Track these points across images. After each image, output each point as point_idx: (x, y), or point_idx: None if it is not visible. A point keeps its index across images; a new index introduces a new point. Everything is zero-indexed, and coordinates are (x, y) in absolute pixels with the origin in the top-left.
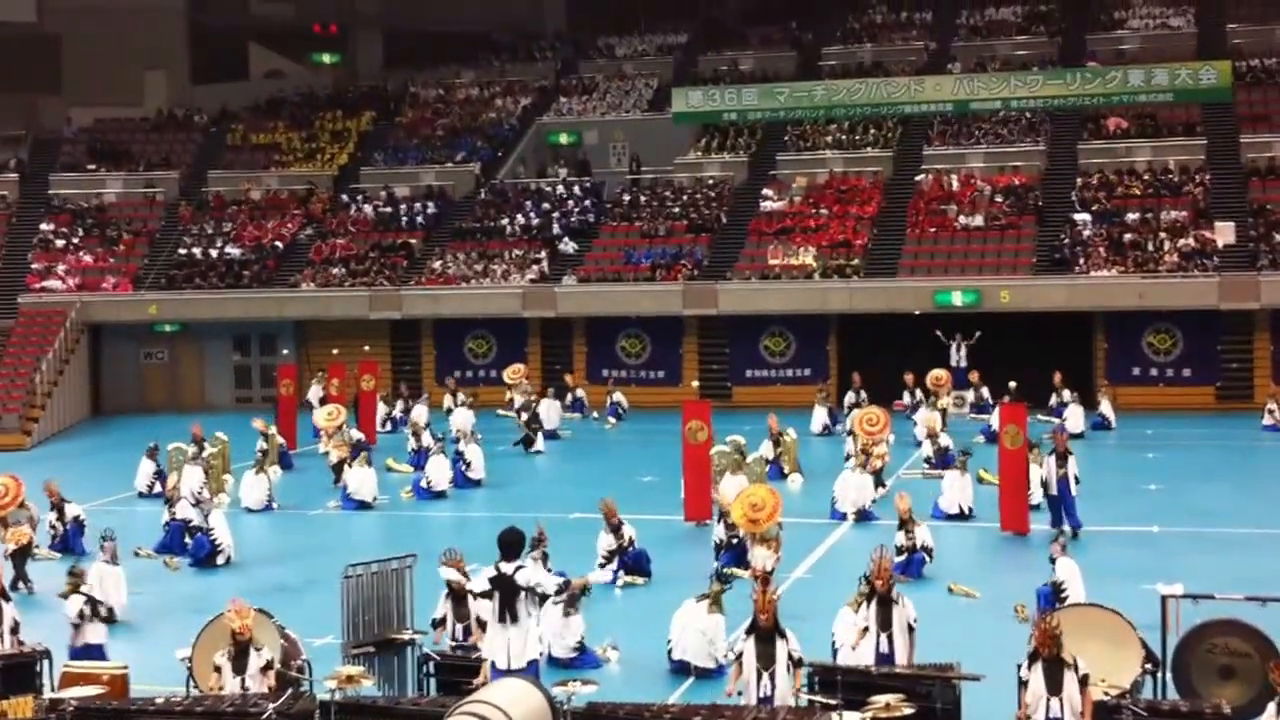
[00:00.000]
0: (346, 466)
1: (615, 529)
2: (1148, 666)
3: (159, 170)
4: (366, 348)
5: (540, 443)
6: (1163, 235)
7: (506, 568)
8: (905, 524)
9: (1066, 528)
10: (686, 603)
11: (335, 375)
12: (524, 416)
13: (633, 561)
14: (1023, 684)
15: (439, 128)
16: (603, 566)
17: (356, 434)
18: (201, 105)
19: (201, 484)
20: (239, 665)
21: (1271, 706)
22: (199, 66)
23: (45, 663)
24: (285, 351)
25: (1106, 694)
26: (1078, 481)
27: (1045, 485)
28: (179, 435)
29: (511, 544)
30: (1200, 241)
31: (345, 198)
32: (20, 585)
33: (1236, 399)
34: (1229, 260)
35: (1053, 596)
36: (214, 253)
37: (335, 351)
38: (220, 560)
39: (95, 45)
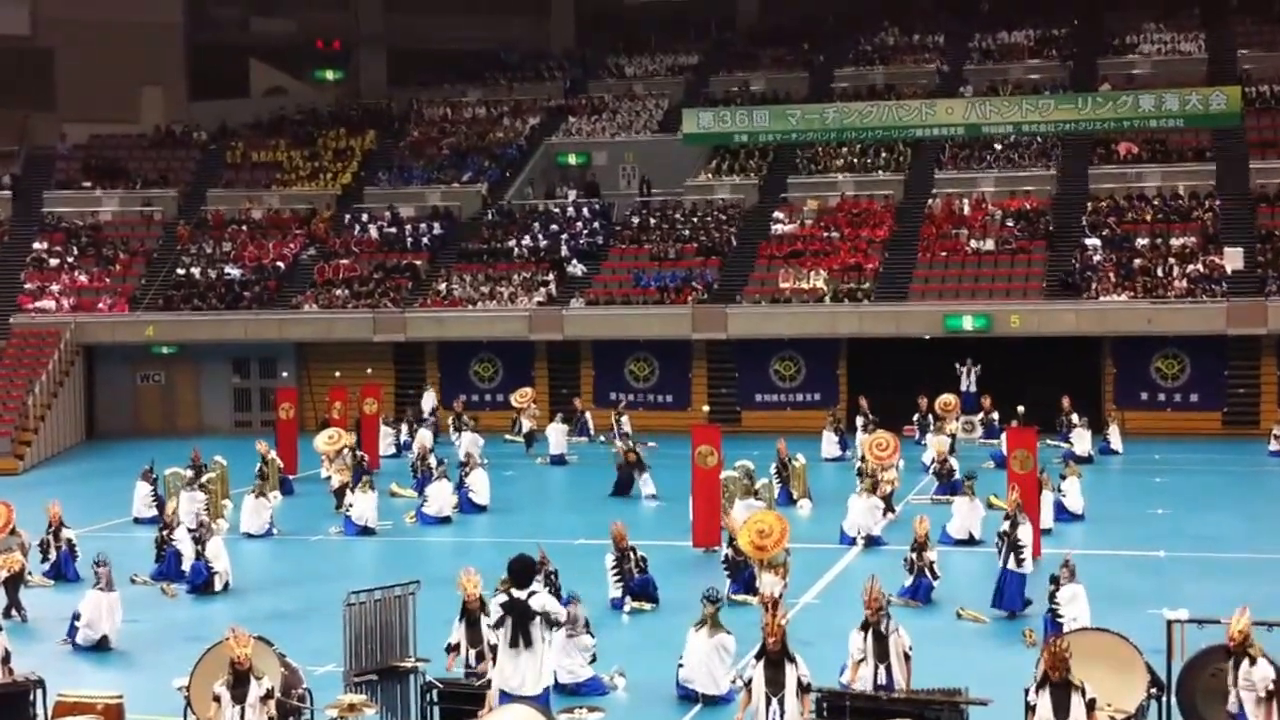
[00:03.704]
0: (349, 491)
1: (623, 554)
2: (1153, 691)
3: (156, 188)
4: (369, 370)
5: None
6: (1172, 261)
7: (519, 594)
8: (921, 547)
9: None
10: (689, 633)
11: (337, 399)
12: (532, 443)
13: (639, 588)
14: (1030, 708)
15: (445, 147)
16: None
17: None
18: (200, 122)
19: (201, 509)
20: (238, 694)
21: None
22: (198, 83)
23: (38, 692)
24: (285, 374)
25: (1112, 718)
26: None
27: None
28: (176, 459)
29: (523, 570)
30: (1209, 267)
31: (349, 218)
32: (13, 613)
33: (1243, 424)
34: (1237, 286)
35: (1050, 620)
36: (213, 273)
37: (338, 374)
38: (218, 587)
39: (90, 60)
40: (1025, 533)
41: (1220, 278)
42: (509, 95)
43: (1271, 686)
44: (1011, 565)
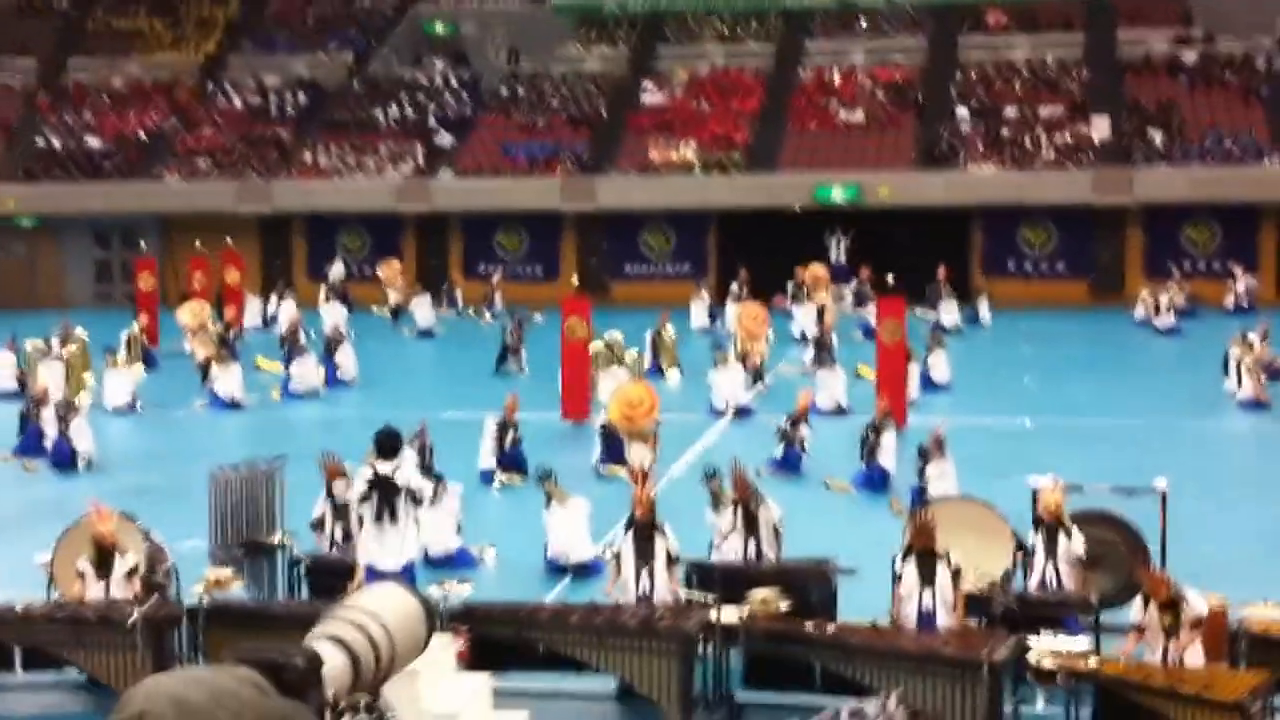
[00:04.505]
0: (214, 365)
1: (505, 424)
2: (1018, 556)
3: (14, 56)
4: (228, 239)
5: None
6: (1039, 130)
7: (384, 468)
8: (798, 421)
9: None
10: (544, 513)
11: (197, 269)
12: (399, 316)
13: (510, 461)
14: (896, 577)
15: (310, 16)
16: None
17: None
18: None
19: (61, 383)
20: (102, 571)
21: (1138, 600)
22: None
23: None
24: (143, 245)
25: (978, 585)
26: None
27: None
28: (36, 332)
29: (388, 444)
30: (1076, 137)
31: (212, 87)
32: None
33: (1109, 293)
34: (1104, 156)
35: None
36: (74, 144)
37: (197, 243)
38: (81, 463)
39: None
40: (889, 439)
41: (1087, 147)
42: None
43: (1083, 554)
44: (879, 462)
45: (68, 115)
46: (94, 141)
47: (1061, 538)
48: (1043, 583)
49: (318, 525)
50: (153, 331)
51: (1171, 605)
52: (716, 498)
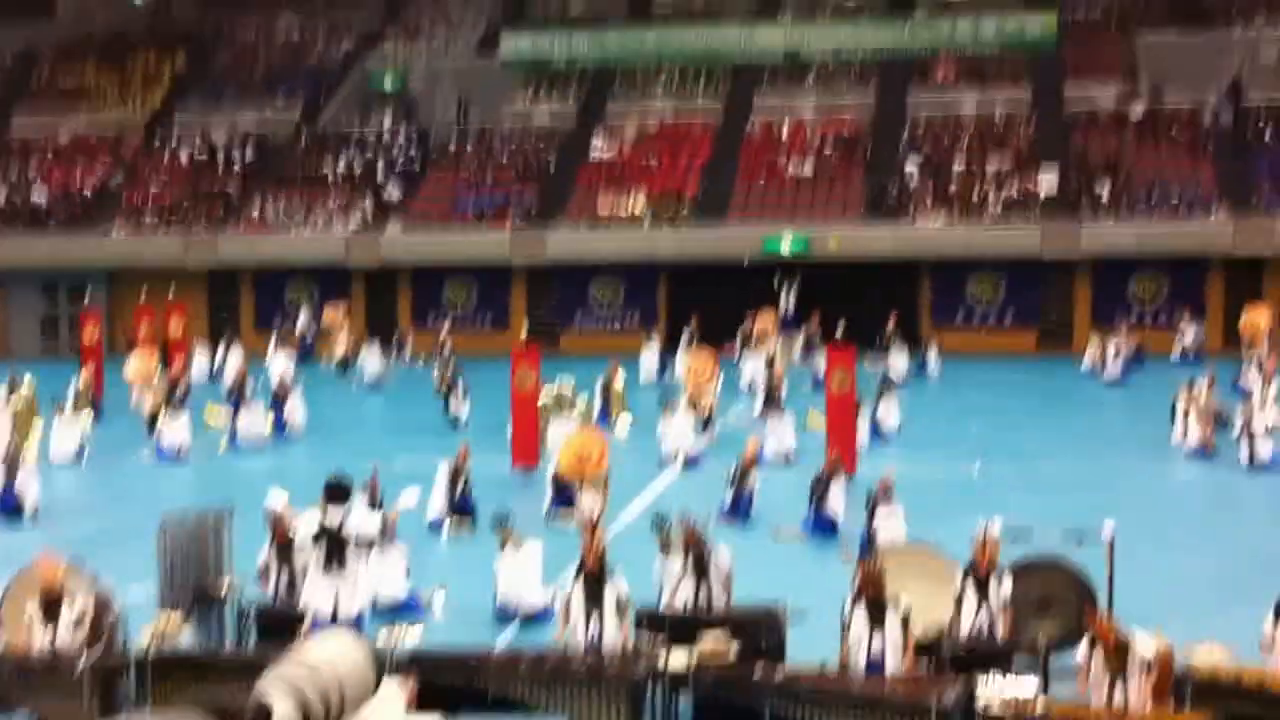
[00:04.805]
0: (161, 415)
1: (457, 471)
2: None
3: None
4: (171, 291)
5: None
6: (987, 184)
7: (334, 515)
8: (748, 468)
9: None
10: (496, 559)
11: (142, 319)
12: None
13: (461, 508)
14: (845, 625)
15: (257, 69)
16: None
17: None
18: (3, 44)
19: (7, 433)
20: (50, 618)
21: (1084, 643)
22: (1, 4)
23: None
24: (87, 299)
25: (928, 631)
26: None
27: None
28: None
29: (338, 490)
30: (1023, 191)
31: (159, 142)
32: None
33: (1057, 344)
34: (1051, 209)
35: (866, 538)
36: (20, 198)
37: (142, 294)
38: (28, 513)
39: None
40: (839, 488)
41: (1035, 200)
42: (323, 17)
43: (1008, 596)
44: (828, 510)
45: (13, 169)
46: (40, 195)
47: (993, 583)
48: (976, 629)
49: (262, 573)
50: (99, 383)
51: (1118, 650)
52: (666, 545)
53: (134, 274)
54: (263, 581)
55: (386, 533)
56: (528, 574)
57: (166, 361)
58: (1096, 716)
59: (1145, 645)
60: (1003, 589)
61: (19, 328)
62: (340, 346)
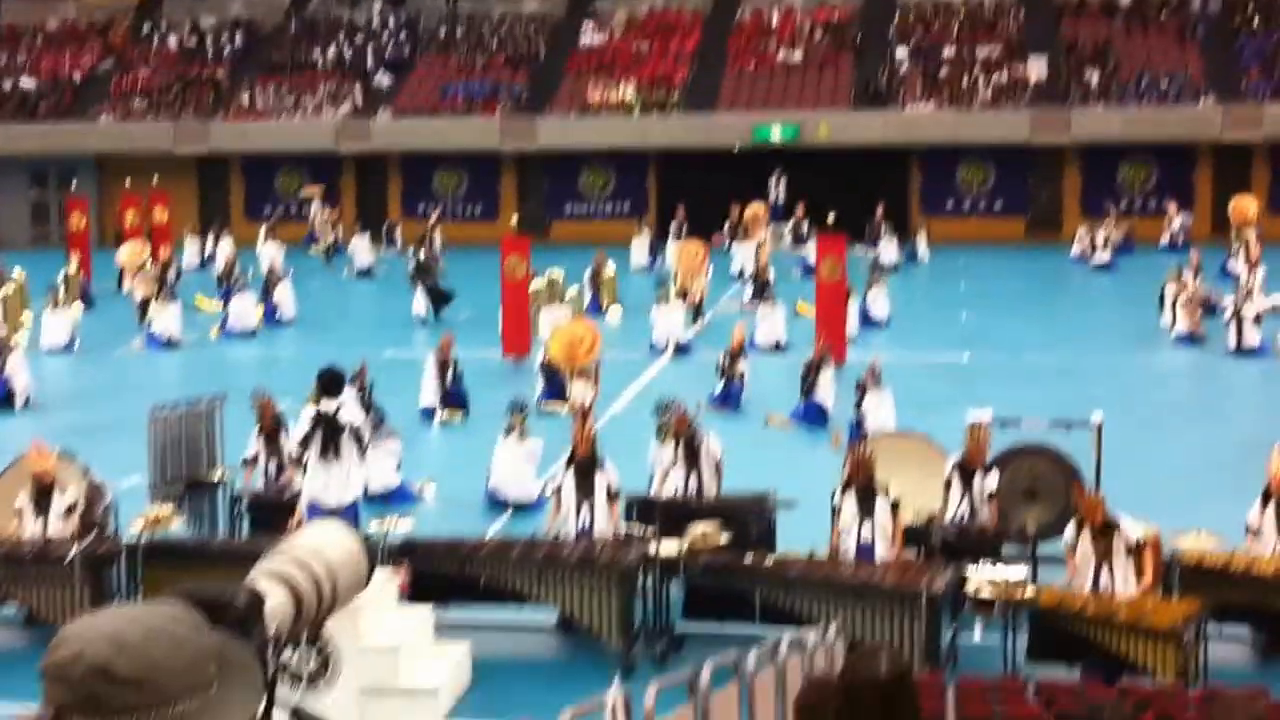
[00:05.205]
0: (152, 304)
1: (444, 363)
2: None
3: None
4: (155, 178)
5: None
6: (977, 71)
7: (328, 406)
8: (735, 355)
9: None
10: (498, 442)
11: (128, 207)
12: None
13: (452, 398)
14: (835, 511)
15: None
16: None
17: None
18: None
19: None
20: (41, 508)
21: (1071, 525)
22: None
23: None
24: (74, 185)
25: (917, 518)
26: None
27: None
28: None
29: (332, 382)
30: (1013, 77)
31: (147, 28)
32: None
33: (1046, 231)
34: (1040, 96)
35: (855, 425)
36: (8, 86)
37: (127, 182)
38: (19, 402)
39: None
40: (828, 376)
41: (1024, 88)
42: None
43: (994, 490)
44: (818, 397)
45: (2, 56)
46: (28, 83)
47: (978, 476)
48: (963, 518)
49: (250, 461)
50: (86, 271)
51: (1105, 531)
52: (664, 430)
53: (123, 162)
54: (248, 469)
55: (382, 428)
56: (525, 467)
57: (154, 252)
58: (1083, 601)
59: (1132, 529)
60: (988, 481)
61: (8, 217)
62: (324, 231)
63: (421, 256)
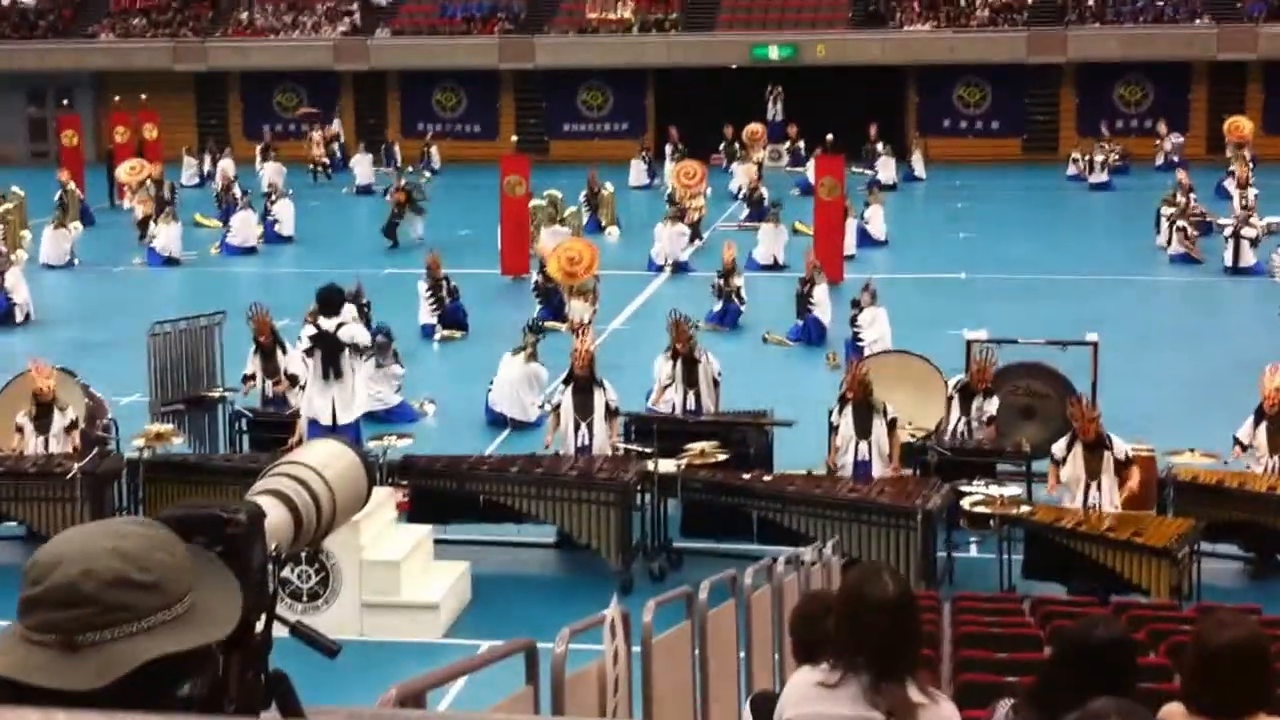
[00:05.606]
0: (152, 221)
1: (436, 283)
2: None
3: None
4: (143, 96)
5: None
6: None
7: (328, 324)
8: (729, 273)
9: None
10: (504, 357)
11: (119, 124)
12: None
13: (450, 316)
14: (833, 429)
15: None
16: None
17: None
18: None
19: None
20: (41, 425)
21: (1063, 441)
22: None
23: None
24: (65, 102)
25: (913, 436)
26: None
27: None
28: None
29: (331, 300)
30: None
31: None
32: None
33: (1042, 150)
34: (1038, 15)
35: (851, 343)
36: (6, 2)
37: (116, 99)
38: (19, 319)
39: None
40: (822, 292)
41: (1021, 7)
42: None
43: (994, 413)
44: (813, 315)
45: None
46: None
47: (979, 397)
48: (961, 437)
49: (248, 379)
50: (81, 187)
51: (1097, 446)
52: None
53: (121, 80)
54: (246, 386)
55: (385, 350)
56: (527, 388)
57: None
58: (1074, 517)
59: (1121, 446)
60: (988, 405)
61: (7, 134)
62: (317, 151)
63: (403, 182)
